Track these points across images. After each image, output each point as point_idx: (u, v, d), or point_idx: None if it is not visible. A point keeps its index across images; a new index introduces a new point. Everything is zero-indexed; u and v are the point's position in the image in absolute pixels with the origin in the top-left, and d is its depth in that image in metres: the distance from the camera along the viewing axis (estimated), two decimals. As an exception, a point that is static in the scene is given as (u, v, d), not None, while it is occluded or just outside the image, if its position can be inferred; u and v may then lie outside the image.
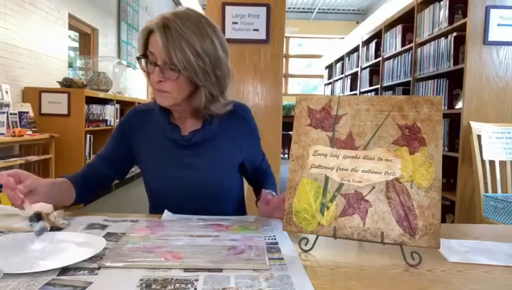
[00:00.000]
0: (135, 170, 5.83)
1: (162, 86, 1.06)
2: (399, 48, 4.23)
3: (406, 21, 4.13)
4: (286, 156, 8.16)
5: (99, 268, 0.71)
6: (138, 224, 0.98)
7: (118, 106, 5.14)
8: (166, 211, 1.24)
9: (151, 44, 1.05)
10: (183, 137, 1.15)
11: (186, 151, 1.16)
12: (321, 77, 9.04)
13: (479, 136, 2.36)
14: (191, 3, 7.04)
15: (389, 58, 4.56)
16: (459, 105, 3.06)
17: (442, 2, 3.27)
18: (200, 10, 1.12)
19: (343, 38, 8.78)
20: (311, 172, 0.88)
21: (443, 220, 3.03)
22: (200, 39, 1.02)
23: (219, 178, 1.18)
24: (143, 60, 1.07)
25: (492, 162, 2.31)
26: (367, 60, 5.46)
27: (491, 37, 2.76)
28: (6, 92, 3.43)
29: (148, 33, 1.05)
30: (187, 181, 1.15)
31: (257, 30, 2.84)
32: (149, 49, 1.05)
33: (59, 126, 3.88)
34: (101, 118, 4.56)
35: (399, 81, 4.18)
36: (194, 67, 1.02)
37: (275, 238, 0.91)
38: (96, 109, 4.41)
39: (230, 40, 2.84)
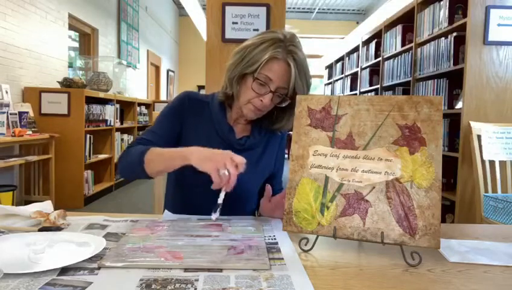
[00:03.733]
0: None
1: (265, 107, 1.11)
2: (399, 48, 4.22)
3: (406, 21, 4.12)
4: (286, 156, 8.14)
5: (99, 268, 0.71)
6: (138, 224, 0.98)
7: (118, 106, 5.14)
8: (166, 211, 1.24)
9: (273, 70, 1.06)
10: (238, 140, 1.17)
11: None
12: (321, 77, 9.03)
13: (479, 136, 2.36)
14: (191, 3, 7.03)
15: (389, 58, 4.56)
16: (459, 105, 3.06)
17: (442, 2, 3.27)
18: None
19: (343, 38, 8.78)
20: (311, 172, 0.88)
21: (443, 220, 3.03)
22: (309, 69, 1.10)
23: (254, 185, 1.22)
24: (250, 78, 1.09)
25: (492, 162, 2.31)
26: (367, 60, 5.46)
27: (491, 37, 2.75)
28: (6, 92, 3.43)
29: (270, 58, 1.06)
30: None
31: (257, 30, 2.84)
32: (265, 72, 1.07)
33: (59, 126, 3.88)
34: (101, 118, 4.56)
35: (399, 81, 4.18)
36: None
37: (275, 238, 0.91)
38: (96, 109, 4.41)
39: (230, 40, 2.89)
